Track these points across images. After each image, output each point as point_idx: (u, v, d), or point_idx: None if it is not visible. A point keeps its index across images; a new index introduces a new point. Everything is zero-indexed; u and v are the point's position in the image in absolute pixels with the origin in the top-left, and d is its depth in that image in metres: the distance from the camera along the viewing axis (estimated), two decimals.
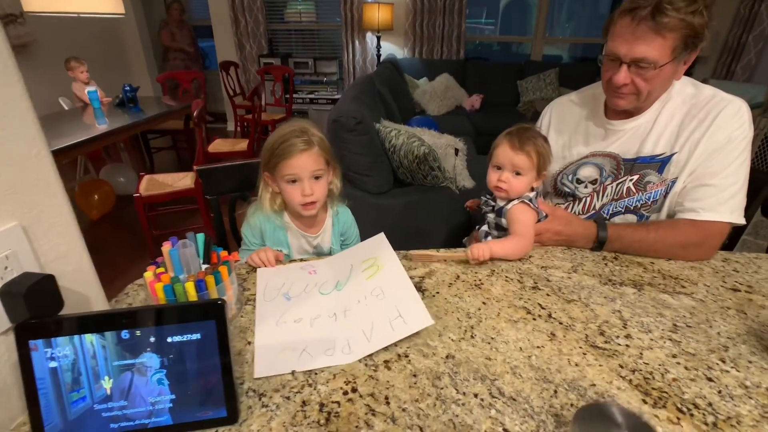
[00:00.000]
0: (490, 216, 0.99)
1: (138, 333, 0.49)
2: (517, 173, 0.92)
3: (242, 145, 3.25)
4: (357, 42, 4.55)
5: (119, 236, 2.74)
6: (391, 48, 4.63)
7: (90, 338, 0.47)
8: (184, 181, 2.50)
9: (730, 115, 0.87)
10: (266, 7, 4.63)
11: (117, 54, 4.69)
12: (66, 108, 3.21)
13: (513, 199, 0.94)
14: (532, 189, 0.96)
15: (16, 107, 0.47)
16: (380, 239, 0.87)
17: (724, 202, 0.88)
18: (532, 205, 0.93)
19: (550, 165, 0.97)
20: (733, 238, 1.09)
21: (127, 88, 2.91)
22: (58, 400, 0.47)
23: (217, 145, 3.26)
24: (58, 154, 2.07)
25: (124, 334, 0.48)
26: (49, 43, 3.72)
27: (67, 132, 2.33)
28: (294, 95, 4.41)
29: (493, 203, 0.99)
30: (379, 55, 4.44)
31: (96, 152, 3.36)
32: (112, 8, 2.47)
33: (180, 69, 4.59)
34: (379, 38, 4.38)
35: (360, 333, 0.66)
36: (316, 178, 0.92)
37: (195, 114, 2.29)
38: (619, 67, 0.88)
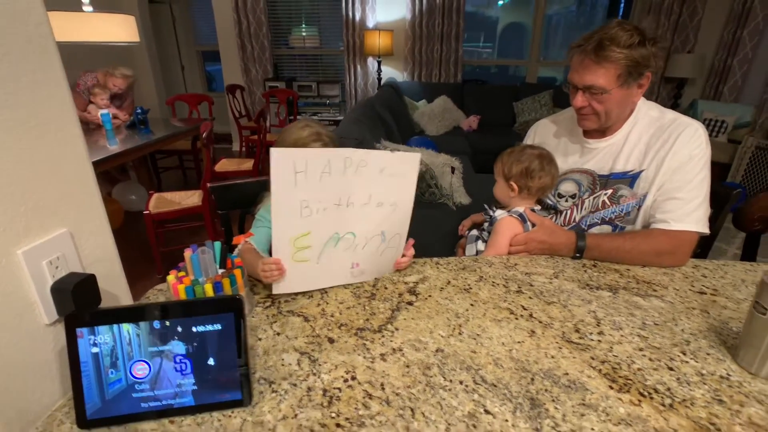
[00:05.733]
0: (486, 223, 1.13)
1: (168, 323, 0.56)
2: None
3: (248, 164, 3.36)
4: (359, 66, 4.73)
5: (127, 251, 2.80)
6: (392, 72, 4.80)
7: (127, 327, 0.55)
8: (191, 198, 2.59)
9: (689, 137, 0.98)
10: (272, 33, 4.83)
11: None
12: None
13: (508, 211, 1.09)
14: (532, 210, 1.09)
15: (71, 136, 0.57)
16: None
17: (690, 213, 0.97)
18: (519, 219, 1.05)
19: (529, 180, 1.08)
20: (704, 246, 1.17)
21: (139, 110, 3.04)
22: (98, 381, 0.55)
23: (224, 165, 3.37)
24: None
25: (156, 324, 0.56)
26: (66, 67, 3.88)
27: None
28: (298, 117, 4.56)
29: (491, 213, 1.12)
30: (380, 79, 4.60)
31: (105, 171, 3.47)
32: (129, 37, 2.63)
33: None
34: (379, 63, 4.55)
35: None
36: None
37: (204, 135, 2.41)
38: (576, 92, 1.01)
